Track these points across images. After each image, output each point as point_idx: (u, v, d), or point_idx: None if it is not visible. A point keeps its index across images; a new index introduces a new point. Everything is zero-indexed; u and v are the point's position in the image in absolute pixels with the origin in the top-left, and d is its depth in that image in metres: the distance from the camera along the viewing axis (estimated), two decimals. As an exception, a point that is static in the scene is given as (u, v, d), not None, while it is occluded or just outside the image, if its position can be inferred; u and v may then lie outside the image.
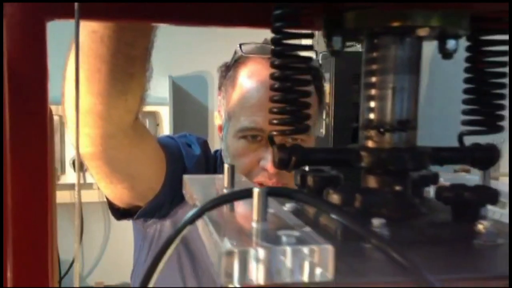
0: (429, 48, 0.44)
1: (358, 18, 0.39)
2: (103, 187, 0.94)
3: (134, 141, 0.87)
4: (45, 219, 0.42)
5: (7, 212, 0.40)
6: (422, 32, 0.38)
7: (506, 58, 0.42)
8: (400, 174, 0.40)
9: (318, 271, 0.27)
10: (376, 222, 0.35)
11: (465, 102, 0.44)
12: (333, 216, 0.33)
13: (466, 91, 0.44)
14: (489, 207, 0.40)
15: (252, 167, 0.99)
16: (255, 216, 0.30)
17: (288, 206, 0.42)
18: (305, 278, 0.27)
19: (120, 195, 0.96)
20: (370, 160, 0.39)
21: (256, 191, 0.30)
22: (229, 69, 1.06)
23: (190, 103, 2.89)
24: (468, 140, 0.44)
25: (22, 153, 0.41)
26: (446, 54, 0.41)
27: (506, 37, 0.42)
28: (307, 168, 0.43)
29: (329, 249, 0.27)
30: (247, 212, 0.34)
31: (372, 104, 0.40)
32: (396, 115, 0.39)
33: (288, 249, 0.27)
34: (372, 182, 0.40)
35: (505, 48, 0.42)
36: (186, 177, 0.47)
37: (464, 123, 0.44)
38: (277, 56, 0.39)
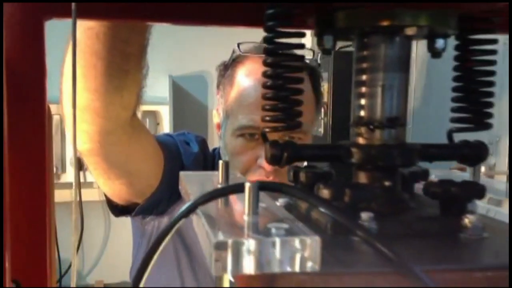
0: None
1: (348, 18, 0.40)
2: (101, 184, 0.95)
3: (132, 138, 0.88)
4: (44, 218, 0.42)
5: (5, 210, 0.40)
6: (411, 31, 0.39)
7: (493, 57, 0.43)
8: (389, 170, 0.40)
9: (306, 261, 0.28)
10: (365, 216, 0.36)
11: (454, 100, 0.45)
12: (321, 209, 0.34)
13: (454, 89, 0.45)
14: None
15: (250, 165, 0.99)
16: (247, 209, 0.32)
17: (281, 202, 0.43)
18: (294, 268, 0.28)
19: (118, 192, 0.97)
20: (360, 156, 0.40)
21: (248, 185, 0.31)
22: (227, 68, 1.07)
23: (190, 102, 2.90)
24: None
25: (21, 151, 0.41)
26: (435, 53, 0.42)
27: (493, 36, 0.43)
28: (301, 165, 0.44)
29: (317, 240, 0.28)
30: (239, 206, 0.35)
31: (362, 101, 0.41)
32: (386, 113, 0.40)
33: (277, 240, 0.28)
34: (362, 177, 0.41)
35: (493, 47, 0.43)
36: (182, 174, 0.48)
37: (453, 120, 0.45)
38: (269, 55, 0.40)
